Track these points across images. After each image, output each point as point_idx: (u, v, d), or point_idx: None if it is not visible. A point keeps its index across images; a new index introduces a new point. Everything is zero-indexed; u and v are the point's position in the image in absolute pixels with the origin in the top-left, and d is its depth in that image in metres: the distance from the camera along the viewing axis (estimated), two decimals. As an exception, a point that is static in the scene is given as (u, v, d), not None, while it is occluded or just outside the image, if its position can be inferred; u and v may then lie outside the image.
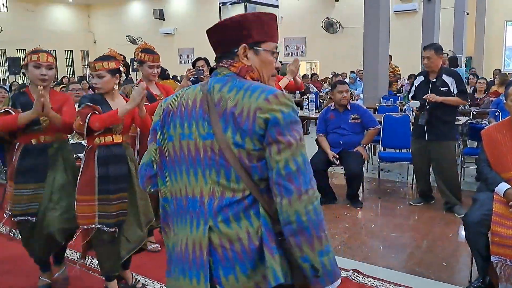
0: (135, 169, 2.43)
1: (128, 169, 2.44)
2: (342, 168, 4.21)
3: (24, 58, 2.53)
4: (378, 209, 4.12)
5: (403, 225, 3.65)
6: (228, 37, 1.18)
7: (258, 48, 1.18)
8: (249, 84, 1.12)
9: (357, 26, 14.04)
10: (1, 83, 14.89)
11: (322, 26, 14.79)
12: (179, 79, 9.36)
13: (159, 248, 3.17)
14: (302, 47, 15.24)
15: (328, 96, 5.66)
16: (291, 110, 1.09)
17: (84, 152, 2.43)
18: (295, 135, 1.07)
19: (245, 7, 4.03)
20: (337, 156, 4.04)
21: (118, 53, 2.53)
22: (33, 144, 2.45)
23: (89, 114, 2.27)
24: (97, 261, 2.54)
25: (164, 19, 18.10)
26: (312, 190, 1.06)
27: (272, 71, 1.24)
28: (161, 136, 1.23)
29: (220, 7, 4.27)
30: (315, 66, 15.89)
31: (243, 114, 1.08)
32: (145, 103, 2.71)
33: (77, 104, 2.42)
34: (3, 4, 16.86)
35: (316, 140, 4.30)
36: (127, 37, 18.48)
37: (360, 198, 4.15)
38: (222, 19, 1.26)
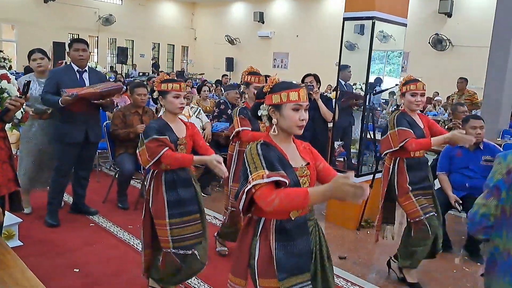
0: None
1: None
2: (460, 212, 3.71)
3: (155, 84, 2.45)
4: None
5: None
6: None
7: None
8: None
9: (470, 45, 12.90)
10: (109, 70, 16.07)
11: (429, 42, 13.78)
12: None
13: (227, 253, 3.31)
14: (405, 62, 14.35)
15: (446, 126, 5.08)
16: None
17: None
18: None
19: (373, 24, 3.67)
20: (460, 201, 3.53)
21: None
22: (175, 169, 2.40)
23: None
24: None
25: (263, 22, 18.23)
26: None
27: None
28: (506, 195, 1.42)
29: (343, 22, 3.94)
30: (423, 96, 14.85)
31: None
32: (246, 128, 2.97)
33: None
34: (119, -2, 18.24)
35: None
36: (225, 37, 18.94)
37: (481, 252, 3.59)
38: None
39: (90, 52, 3.75)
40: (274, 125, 1.62)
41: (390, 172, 2.95)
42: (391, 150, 2.89)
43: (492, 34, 6.66)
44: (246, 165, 1.56)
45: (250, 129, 2.99)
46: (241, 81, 3.18)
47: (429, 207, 2.89)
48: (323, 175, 1.70)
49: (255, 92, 2.98)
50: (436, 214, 2.92)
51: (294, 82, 1.70)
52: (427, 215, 2.86)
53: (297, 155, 1.67)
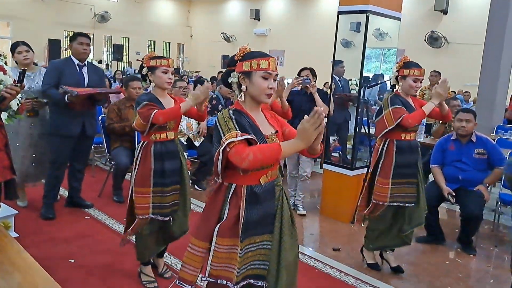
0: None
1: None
2: (453, 203, 3.74)
3: (144, 61, 2.56)
4: (494, 259, 3.57)
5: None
6: None
7: None
8: None
9: (465, 42, 12.96)
10: (105, 67, 16.01)
11: (425, 40, 13.83)
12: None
13: None
14: (400, 60, 14.42)
15: (439, 121, 5.10)
16: None
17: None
18: None
19: (367, 17, 3.70)
20: (453, 194, 3.56)
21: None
22: (163, 141, 2.55)
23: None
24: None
25: (259, 20, 18.23)
26: None
27: None
28: None
29: (338, 16, 3.98)
30: (421, 83, 14.90)
31: None
32: None
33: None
34: (115, -5, 18.16)
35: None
36: (221, 34, 18.91)
37: (473, 244, 3.64)
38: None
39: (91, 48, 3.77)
40: (243, 92, 1.66)
41: (379, 153, 2.92)
42: (386, 129, 2.83)
43: (486, 31, 6.71)
44: (219, 128, 1.60)
45: None
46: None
47: (399, 197, 2.86)
48: (290, 138, 1.73)
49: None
50: (412, 205, 2.90)
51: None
52: (390, 204, 2.86)
53: (266, 123, 1.73)
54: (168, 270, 2.84)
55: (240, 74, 1.66)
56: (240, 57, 1.67)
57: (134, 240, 2.71)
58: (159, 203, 2.54)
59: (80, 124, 3.62)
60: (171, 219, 2.60)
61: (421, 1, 13.97)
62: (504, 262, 3.46)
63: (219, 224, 1.66)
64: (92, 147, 5.09)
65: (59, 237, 3.32)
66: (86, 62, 3.65)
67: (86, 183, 4.20)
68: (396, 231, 3.00)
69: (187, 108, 2.51)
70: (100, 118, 4.47)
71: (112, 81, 8.69)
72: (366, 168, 4.06)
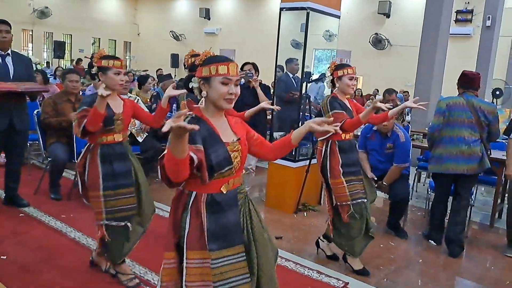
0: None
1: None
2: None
3: (94, 60, 2.49)
4: (423, 242, 3.79)
5: (453, 265, 3.34)
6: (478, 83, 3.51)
7: None
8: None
9: (406, 45, 13.64)
10: (45, 65, 15.26)
11: (369, 42, 14.43)
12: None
13: None
14: (347, 61, 14.88)
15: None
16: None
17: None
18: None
19: (307, 14, 3.84)
20: (375, 178, 3.78)
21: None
22: (110, 143, 2.49)
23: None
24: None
25: (209, 18, 18.18)
26: None
27: None
28: (445, 116, 3.51)
29: (280, 12, 4.08)
30: (357, 81, 15.47)
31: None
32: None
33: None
34: (56, -11, 17.37)
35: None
36: (170, 33, 18.67)
37: (404, 228, 3.87)
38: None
39: (12, 35, 3.56)
40: (203, 98, 1.60)
41: (323, 155, 2.97)
42: (329, 134, 2.81)
43: (421, 35, 7.18)
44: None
45: None
46: (185, 65, 3.18)
47: (359, 193, 2.93)
48: (259, 143, 1.77)
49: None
50: (365, 200, 2.97)
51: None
52: (354, 201, 2.89)
53: (229, 130, 1.67)
54: (134, 278, 2.67)
55: (200, 79, 1.61)
56: (201, 62, 1.63)
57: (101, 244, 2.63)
58: (111, 208, 2.48)
59: (7, 118, 3.41)
60: (128, 224, 2.53)
61: (366, 5, 14.58)
62: (433, 245, 3.70)
63: (186, 235, 1.59)
64: (28, 144, 4.87)
65: (-12, 236, 3.14)
66: (9, 52, 3.46)
67: (22, 181, 3.99)
68: (364, 230, 2.99)
69: (101, 102, 2.33)
70: (35, 112, 4.28)
71: (52, 78, 8.32)
72: (309, 160, 4.21)
